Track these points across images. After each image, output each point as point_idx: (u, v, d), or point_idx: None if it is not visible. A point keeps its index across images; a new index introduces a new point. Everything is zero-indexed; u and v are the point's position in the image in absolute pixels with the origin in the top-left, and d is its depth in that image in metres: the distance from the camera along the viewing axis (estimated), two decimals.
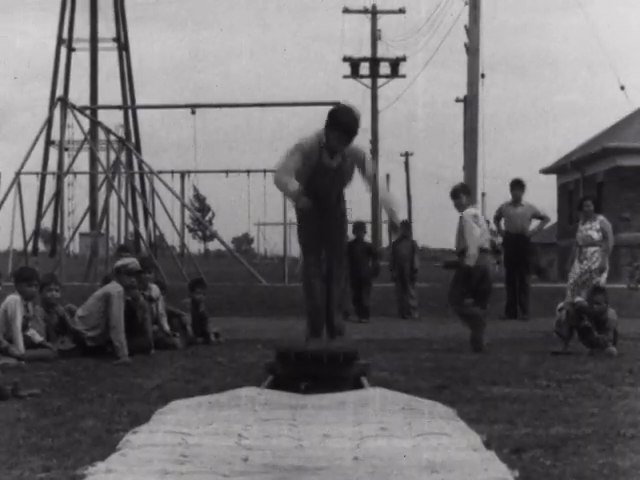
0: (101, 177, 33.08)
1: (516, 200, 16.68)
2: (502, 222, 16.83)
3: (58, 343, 10.87)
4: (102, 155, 35.07)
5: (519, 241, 16.48)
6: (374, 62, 44.16)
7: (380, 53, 44.41)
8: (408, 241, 17.38)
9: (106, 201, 31.96)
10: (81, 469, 5.20)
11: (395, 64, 43.61)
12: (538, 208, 17.14)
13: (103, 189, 32.96)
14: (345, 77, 44.18)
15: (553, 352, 10.90)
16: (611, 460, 5.55)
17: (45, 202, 45.44)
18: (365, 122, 48.16)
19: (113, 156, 32.37)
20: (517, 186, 16.91)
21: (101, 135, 36.39)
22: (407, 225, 17.96)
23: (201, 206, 77.73)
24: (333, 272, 8.76)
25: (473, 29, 30.07)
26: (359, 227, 17.11)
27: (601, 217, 14.22)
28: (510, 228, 16.67)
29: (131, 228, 38.18)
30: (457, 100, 37.84)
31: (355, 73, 44.14)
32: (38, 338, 10.55)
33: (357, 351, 8.39)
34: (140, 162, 40.54)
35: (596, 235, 13.90)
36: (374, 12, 45.20)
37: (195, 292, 12.77)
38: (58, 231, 42.45)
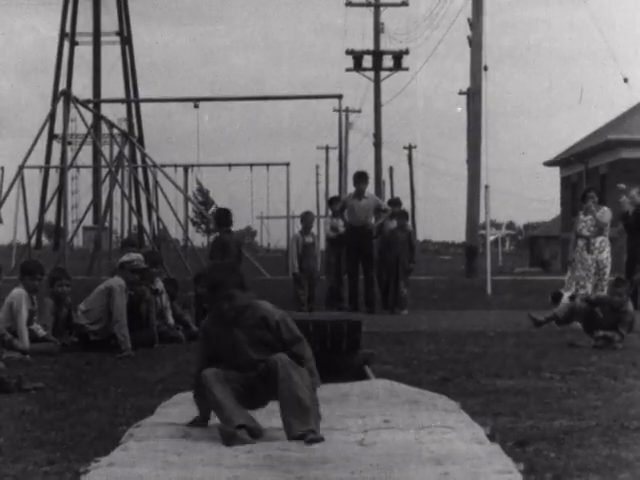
0: (104, 171, 33.00)
1: (360, 193, 16.55)
2: (345, 214, 16.70)
3: (65, 337, 10.88)
4: (105, 149, 35.01)
5: (362, 233, 16.36)
6: (377, 55, 44.07)
7: (383, 46, 44.34)
8: (404, 231, 17.21)
9: (109, 195, 31.92)
10: (85, 464, 5.20)
11: (398, 57, 43.52)
12: (380, 201, 17.24)
13: (106, 183, 32.94)
14: (348, 70, 44.10)
15: (570, 344, 10.87)
16: (615, 452, 5.55)
17: (48, 196, 45.31)
18: (368, 115, 48.14)
19: (116, 150, 32.32)
20: (361, 179, 16.82)
21: (104, 129, 36.27)
22: (404, 215, 17.83)
23: (204, 199, 77.65)
24: None
25: (476, 22, 30.05)
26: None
27: (605, 208, 14.24)
28: (353, 221, 16.50)
29: (134, 222, 38.17)
30: (460, 93, 37.73)
31: (358, 66, 44.06)
32: (42, 332, 10.56)
33: (361, 321, 8.40)
34: (143, 156, 40.51)
35: (606, 218, 13.96)
36: (377, 5, 45.10)
37: (200, 286, 12.75)
38: (61, 225, 42.51)
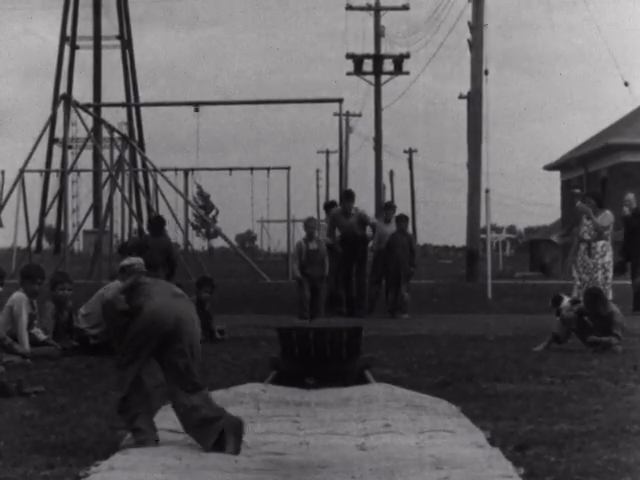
0: (105, 175, 33.05)
1: (346, 211, 16.59)
2: (337, 230, 16.76)
3: (65, 341, 10.87)
4: (106, 153, 35.02)
5: (355, 241, 16.43)
6: (377, 59, 44.04)
7: (383, 50, 44.27)
8: (405, 235, 17.19)
9: (110, 199, 31.92)
10: (85, 469, 5.20)
11: (398, 61, 43.48)
12: (365, 215, 16.94)
13: (107, 187, 32.96)
14: (348, 74, 44.04)
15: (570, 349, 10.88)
16: (615, 456, 5.55)
17: (49, 200, 45.35)
18: (369, 119, 48.10)
19: (117, 154, 32.36)
20: (347, 198, 16.95)
21: (105, 133, 36.32)
22: (405, 219, 17.82)
23: (205, 203, 77.66)
24: None
25: (476, 25, 30.03)
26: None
27: (607, 211, 14.24)
28: (343, 234, 16.64)
29: (135, 226, 38.16)
30: (461, 97, 37.63)
31: (358, 70, 44.01)
32: (42, 336, 10.56)
33: (362, 328, 8.41)
34: (144, 160, 40.52)
35: (606, 222, 13.98)
36: (377, 9, 45.08)
37: (202, 290, 12.75)
38: (62, 229, 42.47)
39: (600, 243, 13.93)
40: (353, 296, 16.55)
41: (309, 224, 16.25)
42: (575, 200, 30.64)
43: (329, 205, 18.83)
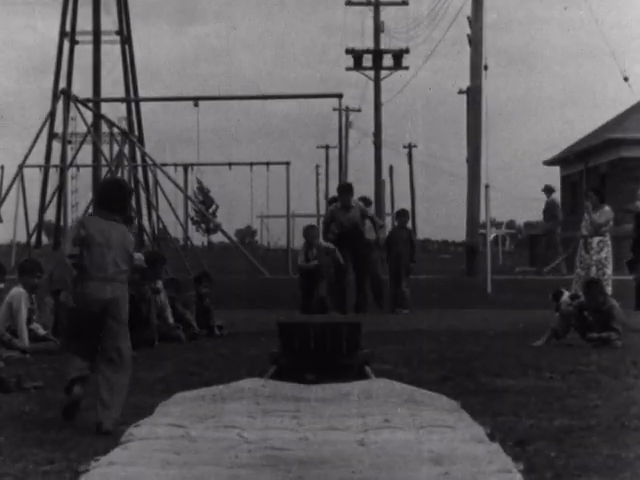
0: (104, 170, 33.03)
1: (346, 205, 16.00)
2: (333, 226, 16.37)
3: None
4: (105, 148, 35.01)
5: (353, 235, 16.12)
6: (377, 54, 44.01)
7: (383, 45, 44.26)
8: (405, 230, 17.16)
9: None
10: (85, 464, 5.20)
11: (398, 56, 43.45)
12: (365, 208, 16.50)
13: None
14: (348, 69, 44.03)
15: (569, 344, 10.88)
16: (615, 451, 5.55)
17: (48, 195, 45.33)
18: (368, 114, 48.06)
19: (116, 149, 32.35)
20: (345, 191, 16.39)
21: (104, 128, 36.32)
22: (405, 214, 17.77)
23: (204, 199, 77.63)
24: None
25: (476, 20, 30.00)
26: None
27: (606, 208, 14.23)
28: (341, 229, 16.25)
29: (134, 221, 38.11)
30: (460, 92, 37.63)
31: (358, 65, 43.99)
32: (42, 331, 10.56)
33: (360, 323, 8.40)
34: (143, 155, 40.48)
35: (603, 218, 13.97)
36: (377, 4, 45.02)
37: (201, 286, 12.74)
38: (61, 224, 42.44)
39: (596, 239, 13.92)
40: (345, 293, 16.19)
41: (309, 232, 15.64)
42: (547, 195, 30.67)
43: (333, 200, 18.71)
